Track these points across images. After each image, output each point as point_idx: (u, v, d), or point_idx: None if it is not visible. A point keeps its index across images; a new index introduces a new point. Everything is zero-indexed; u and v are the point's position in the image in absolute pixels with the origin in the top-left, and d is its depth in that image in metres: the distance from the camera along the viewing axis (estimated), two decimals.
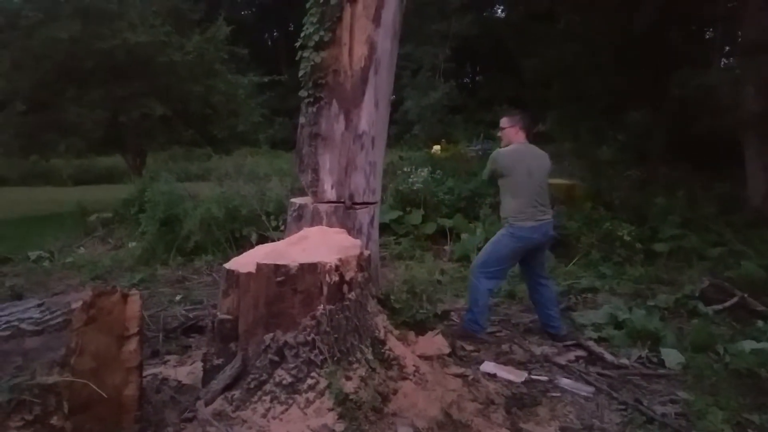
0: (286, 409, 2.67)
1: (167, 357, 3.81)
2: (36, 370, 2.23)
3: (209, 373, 2.94)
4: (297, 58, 3.68)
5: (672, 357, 3.87)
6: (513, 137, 4.34)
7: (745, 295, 5.04)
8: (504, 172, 4.21)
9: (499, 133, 4.49)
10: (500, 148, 4.41)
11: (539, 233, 4.20)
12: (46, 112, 12.16)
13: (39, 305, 2.52)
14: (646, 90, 10.96)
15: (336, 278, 2.81)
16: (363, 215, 3.72)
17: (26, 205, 13.68)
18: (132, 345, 2.56)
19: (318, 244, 3.09)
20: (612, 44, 10.43)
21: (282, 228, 6.51)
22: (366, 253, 3.16)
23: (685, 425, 3.03)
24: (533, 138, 4.47)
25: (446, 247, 7.61)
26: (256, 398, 2.73)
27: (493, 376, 3.59)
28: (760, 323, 4.54)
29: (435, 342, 3.79)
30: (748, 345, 3.92)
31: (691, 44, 10.60)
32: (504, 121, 4.40)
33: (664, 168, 10.70)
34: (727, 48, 12.99)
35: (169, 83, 12.47)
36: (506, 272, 4.48)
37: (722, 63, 12.93)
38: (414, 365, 3.21)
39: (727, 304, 5.00)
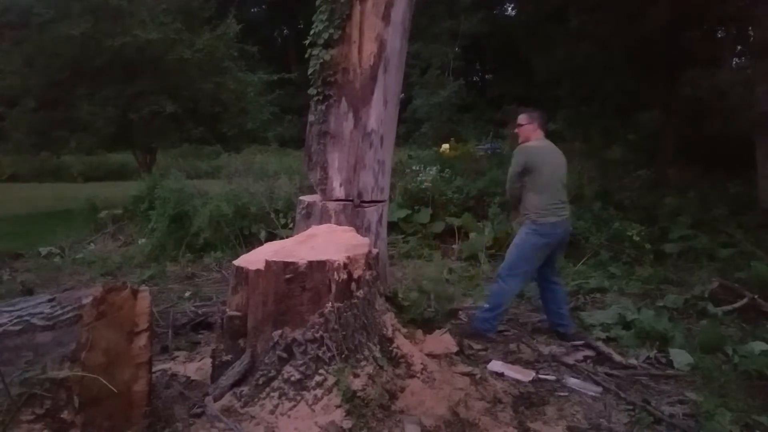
0: (294, 406, 2.69)
1: (176, 353, 3.84)
2: (47, 364, 2.26)
3: (218, 369, 2.96)
4: (306, 56, 3.70)
5: (681, 358, 3.85)
6: (531, 134, 4.32)
7: (755, 296, 5.00)
8: (532, 168, 4.16)
9: (516, 130, 4.44)
10: (518, 145, 4.38)
11: (561, 228, 4.22)
12: (57, 109, 12.28)
13: (50, 300, 2.54)
14: (658, 90, 10.87)
15: (344, 276, 2.82)
16: (371, 213, 3.73)
17: (37, 201, 13.76)
18: (142, 341, 2.58)
19: (326, 242, 3.10)
20: (623, 44, 10.34)
21: (291, 226, 6.54)
22: (374, 251, 3.17)
23: (693, 426, 3.02)
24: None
25: (454, 246, 7.60)
26: (264, 394, 2.75)
27: (500, 375, 3.59)
28: None
29: (442, 340, 3.79)
30: (758, 346, 3.90)
31: (703, 44, 10.49)
32: (522, 118, 4.36)
33: (674, 168, 10.63)
34: (739, 48, 12.84)
35: (179, 81, 12.50)
36: (533, 273, 4.33)
37: (734, 63, 12.78)
38: (421, 363, 3.21)
39: (737, 305, 4.96)
